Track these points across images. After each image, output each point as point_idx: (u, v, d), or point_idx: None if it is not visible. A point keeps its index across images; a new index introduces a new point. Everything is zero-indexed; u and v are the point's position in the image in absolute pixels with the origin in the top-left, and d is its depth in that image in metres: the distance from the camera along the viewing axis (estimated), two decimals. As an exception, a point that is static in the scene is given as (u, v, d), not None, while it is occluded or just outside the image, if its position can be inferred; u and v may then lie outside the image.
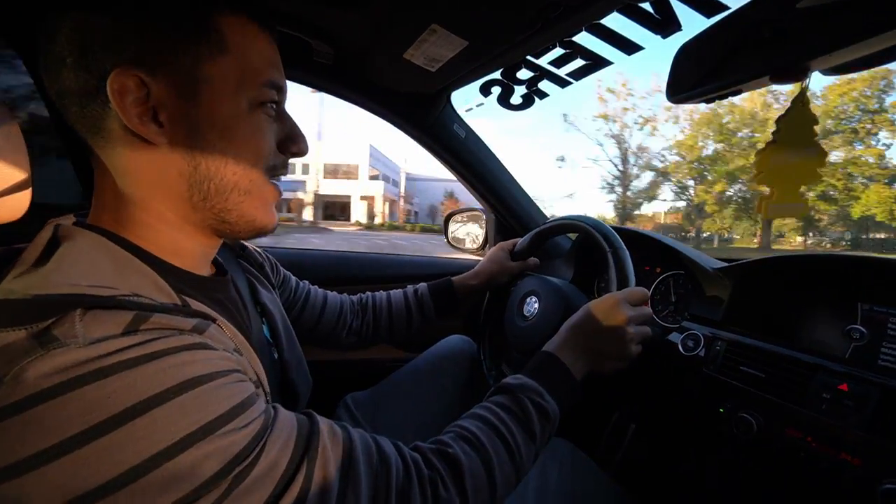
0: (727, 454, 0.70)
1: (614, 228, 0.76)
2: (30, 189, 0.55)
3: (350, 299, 0.87)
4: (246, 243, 0.68)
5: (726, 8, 0.54)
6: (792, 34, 0.41)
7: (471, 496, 0.43)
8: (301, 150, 0.49)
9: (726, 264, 0.81)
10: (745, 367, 0.66)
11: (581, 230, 0.78)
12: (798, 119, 0.43)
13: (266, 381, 0.47)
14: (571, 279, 1.07)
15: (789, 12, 0.40)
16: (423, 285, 0.91)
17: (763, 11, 0.44)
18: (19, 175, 0.53)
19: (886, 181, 16.16)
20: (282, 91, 0.47)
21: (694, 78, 0.51)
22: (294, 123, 0.49)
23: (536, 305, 0.80)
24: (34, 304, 0.31)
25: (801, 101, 0.43)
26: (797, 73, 0.42)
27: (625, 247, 0.70)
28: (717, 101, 0.52)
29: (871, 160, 16.19)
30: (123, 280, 0.37)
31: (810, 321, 0.68)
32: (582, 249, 1.09)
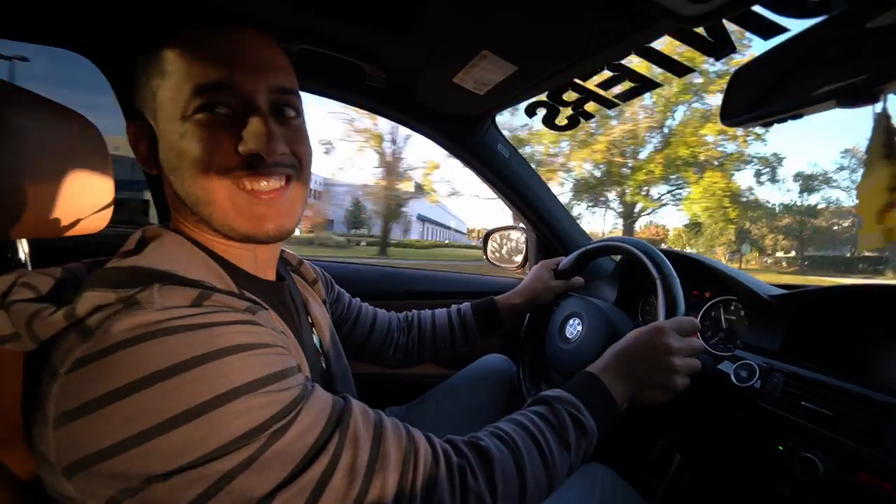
0: (786, 495, 0.65)
1: (662, 252, 0.74)
2: (112, 206, 0.61)
3: (397, 317, 0.89)
4: (302, 259, 0.72)
5: (785, 30, 0.53)
6: (862, 55, 0.40)
7: (500, 490, 0.43)
8: (251, 149, 0.43)
9: (785, 291, 0.77)
10: (808, 402, 0.62)
11: (629, 254, 0.77)
12: (879, 144, 0.41)
13: (309, 374, 0.50)
14: (615, 301, 1.04)
15: (859, 32, 0.39)
16: (466, 305, 0.92)
17: (828, 32, 0.43)
18: (106, 193, 0.59)
19: None
20: (228, 88, 0.44)
21: (750, 100, 0.50)
22: (255, 122, 0.44)
23: (580, 328, 0.79)
24: (126, 274, 0.37)
25: (881, 126, 0.40)
26: (868, 97, 0.40)
27: (675, 274, 0.68)
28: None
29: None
30: (194, 268, 0.42)
31: (885, 356, 0.63)
32: (626, 271, 1.07)
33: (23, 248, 0.64)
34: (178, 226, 0.50)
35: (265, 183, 0.45)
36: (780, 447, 0.63)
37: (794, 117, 0.48)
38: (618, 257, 1.14)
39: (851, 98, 0.41)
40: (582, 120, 0.94)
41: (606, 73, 0.77)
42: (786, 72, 0.46)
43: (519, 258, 1.33)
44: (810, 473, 0.57)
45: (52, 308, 0.36)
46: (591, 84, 0.82)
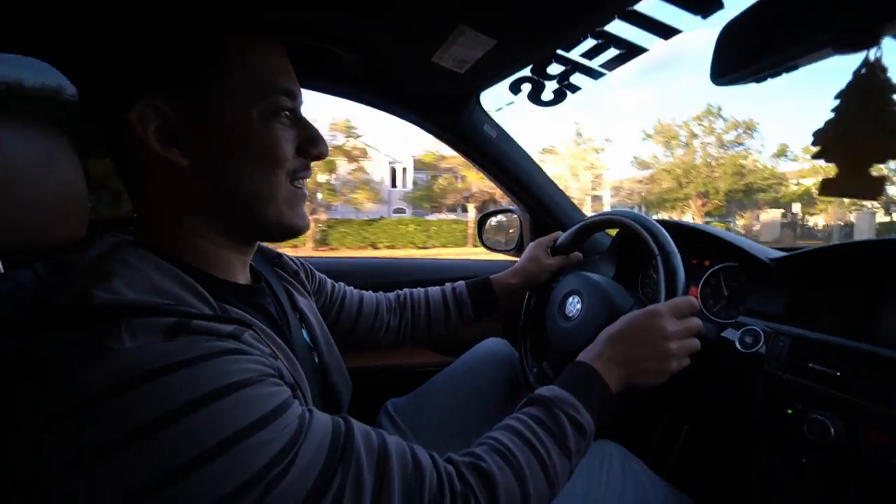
0: (798, 458, 0.64)
1: (658, 222, 0.72)
2: (87, 212, 0.59)
3: (387, 297, 0.87)
4: (281, 252, 0.70)
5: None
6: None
7: None
8: (321, 153, 0.50)
9: (785, 254, 0.76)
10: (816, 364, 0.61)
11: (629, 228, 0.75)
12: (868, 86, 0.39)
13: (306, 385, 0.47)
14: (613, 276, 1.03)
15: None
16: (461, 283, 0.91)
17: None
18: (78, 199, 0.57)
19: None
20: (295, 97, 0.48)
21: (743, 55, 0.48)
22: (311, 127, 0.49)
23: (579, 305, 0.77)
24: (87, 311, 0.33)
25: (870, 65, 0.39)
26: (865, 40, 0.38)
27: (676, 251, 0.66)
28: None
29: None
30: (165, 290, 0.39)
31: (891, 311, 0.61)
32: (624, 245, 1.05)
33: None
34: (144, 231, 0.46)
35: (307, 182, 0.51)
36: (790, 411, 0.62)
37: (789, 69, 0.46)
38: (613, 231, 1.12)
39: (848, 42, 0.39)
40: (568, 93, 0.92)
41: (590, 42, 0.75)
42: (777, 21, 0.44)
43: (514, 241, 1.31)
44: (821, 435, 0.57)
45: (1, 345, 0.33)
46: (575, 55, 0.79)
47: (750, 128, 18.12)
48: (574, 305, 0.78)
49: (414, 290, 0.90)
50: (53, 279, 0.50)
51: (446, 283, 0.91)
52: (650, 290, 1.01)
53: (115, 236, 0.46)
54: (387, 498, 0.37)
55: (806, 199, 19.36)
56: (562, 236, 0.93)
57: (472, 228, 16.74)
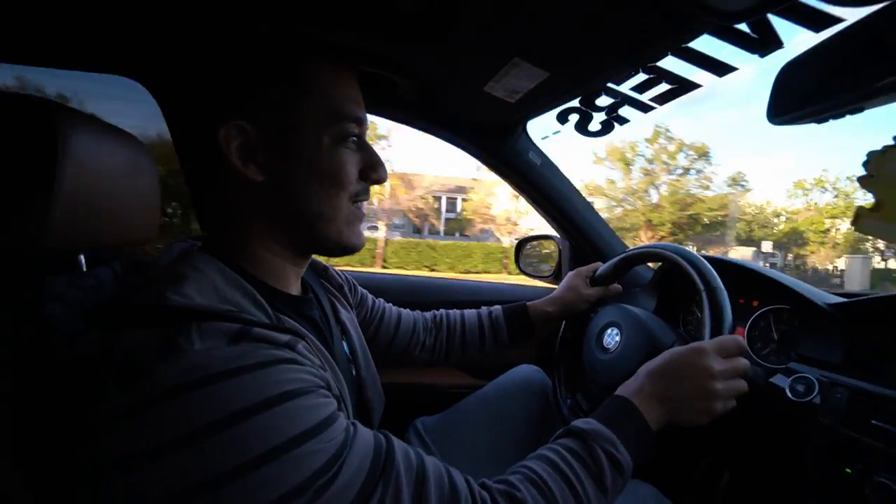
0: None
1: (705, 258, 0.70)
2: (157, 217, 0.65)
3: (423, 316, 0.89)
4: (328, 265, 0.73)
5: (839, 20, 0.50)
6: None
7: None
8: (381, 178, 0.52)
9: (844, 300, 0.72)
10: (880, 421, 0.56)
11: (672, 262, 0.73)
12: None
13: (348, 397, 0.49)
14: (654, 310, 1.00)
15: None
16: (497, 308, 0.91)
17: (887, 19, 0.40)
18: (154, 207, 0.62)
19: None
20: (362, 123, 0.51)
21: (802, 95, 0.47)
22: (374, 153, 0.52)
23: (618, 338, 0.76)
24: (163, 311, 0.37)
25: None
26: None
27: (723, 287, 0.64)
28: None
29: None
30: (230, 296, 0.42)
31: None
32: (666, 279, 1.02)
33: (82, 262, 0.68)
34: (214, 241, 0.49)
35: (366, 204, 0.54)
36: (848, 469, 0.57)
37: (853, 111, 0.45)
38: (656, 265, 1.10)
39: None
40: (616, 125, 0.92)
41: (641, 76, 0.76)
42: (843, 63, 0.43)
43: (552, 268, 1.30)
44: (886, 499, 0.52)
45: (87, 336, 0.36)
46: (626, 88, 0.80)
47: (702, 153, 16.56)
48: (613, 338, 0.77)
49: (450, 311, 0.91)
50: (130, 277, 0.55)
51: (483, 307, 0.92)
52: (693, 328, 0.97)
53: (186, 242, 0.51)
54: None
55: (794, 238, 17.68)
56: (601, 267, 0.92)
57: (381, 248, 15.44)
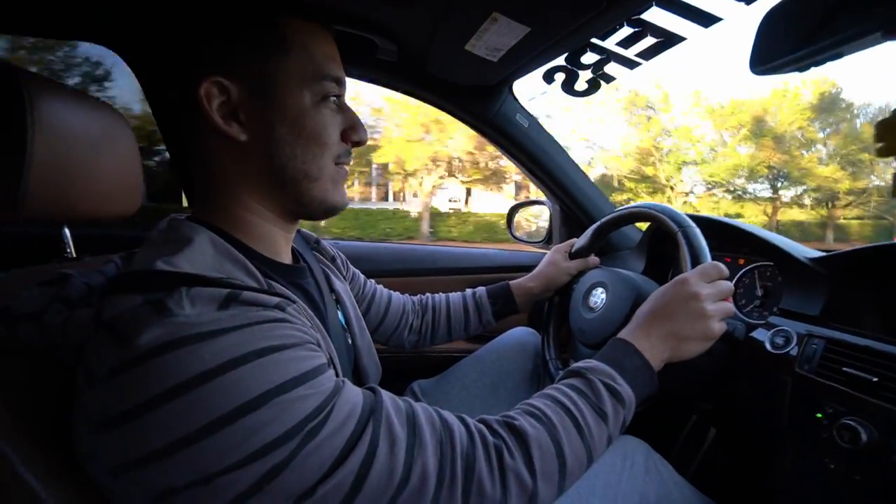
0: (826, 465, 0.62)
1: (688, 216, 0.70)
2: (141, 188, 0.64)
3: (411, 300, 0.91)
4: (320, 238, 0.73)
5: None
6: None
7: (538, 466, 0.42)
8: (362, 140, 0.53)
9: (824, 254, 0.72)
10: (851, 368, 0.58)
11: (645, 217, 0.74)
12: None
13: (339, 363, 0.50)
14: (643, 271, 1.01)
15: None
16: (481, 289, 0.93)
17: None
18: (135, 178, 0.61)
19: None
20: (342, 84, 0.50)
21: (786, 44, 0.46)
22: (354, 114, 0.52)
23: (603, 296, 0.77)
24: (153, 276, 0.37)
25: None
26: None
27: (694, 224, 0.65)
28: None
29: None
30: (220, 265, 0.42)
31: None
32: (653, 240, 1.03)
33: (66, 235, 0.68)
34: (202, 211, 0.49)
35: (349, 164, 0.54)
36: (819, 415, 0.60)
37: (833, 57, 0.44)
38: (645, 226, 1.10)
39: (899, 28, 0.37)
40: (602, 83, 0.90)
41: (626, 30, 0.73)
42: (824, 6, 0.42)
43: (543, 233, 1.30)
44: (852, 441, 0.55)
45: (83, 312, 0.38)
46: (611, 44, 0.78)
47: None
48: (598, 296, 0.78)
49: (436, 295, 0.93)
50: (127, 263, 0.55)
51: (467, 290, 0.93)
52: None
53: (176, 214, 0.51)
54: (420, 449, 0.39)
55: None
56: (578, 241, 0.92)
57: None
